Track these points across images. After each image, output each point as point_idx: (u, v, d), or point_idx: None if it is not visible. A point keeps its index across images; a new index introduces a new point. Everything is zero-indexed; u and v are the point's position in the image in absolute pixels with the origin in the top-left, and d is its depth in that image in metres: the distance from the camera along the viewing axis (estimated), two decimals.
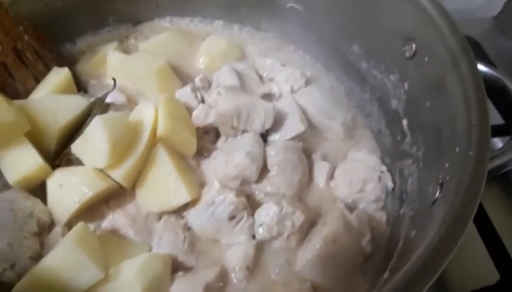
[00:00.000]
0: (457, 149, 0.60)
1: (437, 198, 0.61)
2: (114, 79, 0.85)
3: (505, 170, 0.67)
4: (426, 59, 0.75)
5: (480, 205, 0.93)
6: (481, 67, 0.74)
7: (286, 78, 0.97)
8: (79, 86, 0.92)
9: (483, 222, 0.91)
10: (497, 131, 0.96)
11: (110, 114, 0.79)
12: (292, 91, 0.96)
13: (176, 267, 0.70)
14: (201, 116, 0.82)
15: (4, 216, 0.68)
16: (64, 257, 0.63)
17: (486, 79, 0.74)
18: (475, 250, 0.90)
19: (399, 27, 0.81)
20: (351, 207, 0.80)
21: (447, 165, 0.62)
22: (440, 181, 0.62)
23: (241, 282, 0.70)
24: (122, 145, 0.71)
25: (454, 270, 0.89)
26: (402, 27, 0.80)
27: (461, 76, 0.65)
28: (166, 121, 0.76)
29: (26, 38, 0.86)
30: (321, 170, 0.85)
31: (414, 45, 0.78)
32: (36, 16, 0.92)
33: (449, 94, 0.67)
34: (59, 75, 0.86)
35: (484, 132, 0.58)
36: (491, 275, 0.85)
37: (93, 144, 0.70)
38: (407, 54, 0.79)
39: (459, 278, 0.89)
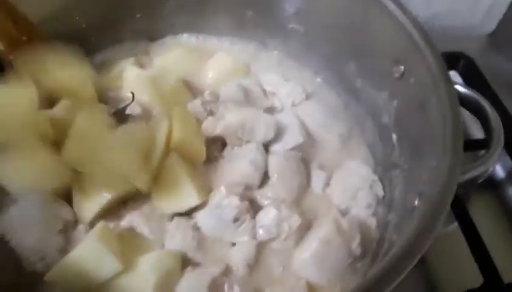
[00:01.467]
0: (434, 164, 0.68)
1: (416, 206, 0.69)
2: (133, 93, 0.94)
3: (481, 181, 0.75)
4: (412, 80, 0.83)
5: (468, 213, 1.01)
6: (459, 88, 0.82)
7: (288, 93, 1.06)
8: (98, 98, 1.00)
9: (469, 229, 0.98)
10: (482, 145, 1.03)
11: (132, 125, 0.88)
12: (293, 105, 1.05)
13: (185, 263, 0.78)
14: (210, 127, 0.90)
15: (34, 215, 0.76)
16: (88, 250, 0.72)
17: (467, 99, 0.83)
18: (461, 255, 0.96)
19: (389, 49, 0.89)
20: (344, 212, 0.88)
21: (425, 177, 0.71)
22: (419, 191, 0.70)
23: (242, 278, 0.78)
24: (141, 154, 0.80)
25: (442, 273, 0.98)
26: (391, 50, 0.88)
27: (440, 97, 0.73)
28: (179, 132, 0.85)
29: None
30: (318, 178, 0.93)
31: (402, 67, 0.86)
32: (61, 33, 1.01)
33: (429, 113, 0.75)
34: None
35: (457, 150, 0.66)
36: (476, 278, 0.91)
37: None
38: (396, 75, 0.87)
39: (446, 281, 0.97)
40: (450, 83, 0.74)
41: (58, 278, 0.71)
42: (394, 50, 0.88)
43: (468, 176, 0.72)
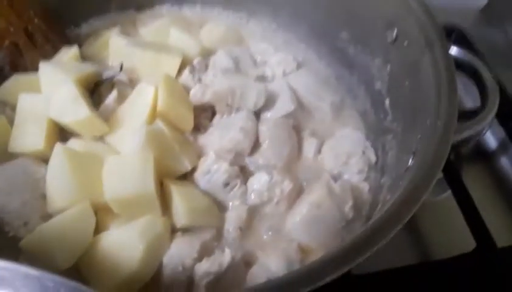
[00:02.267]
0: (428, 122, 0.67)
1: (410, 165, 0.68)
2: (121, 64, 0.92)
3: (473, 142, 0.74)
4: (405, 43, 0.82)
5: (461, 180, 1.00)
6: (455, 50, 0.81)
7: (279, 62, 1.04)
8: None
9: (462, 195, 0.97)
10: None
11: None
12: (284, 74, 1.03)
13: (176, 228, 0.76)
14: (198, 94, 0.88)
15: (18, 178, 0.74)
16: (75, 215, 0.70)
17: (461, 62, 0.82)
18: (454, 222, 0.96)
19: (382, 14, 0.87)
20: (336, 178, 0.87)
21: (419, 136, 0.69)
22: (414, 150, 0.69)
23: (234, 241, 0.77)
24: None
25: (435, 239, 0.98)
26: (385, 14, 0.87)
27: (435, 57, 0.73)
28: (165, 97, 0.82)
29: (36, 20, 0.92)
30: (309, 145, 0.92)
31: (395, 31, 0.85)
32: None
33: (424, 74, 0.74)
34: (68, 54, 0.92)
35: (451, 106, 0.65)
36: (469, 243, 0.91)
37: None
38: (389, 39, 0.86)
39: (439, 246, 0.97)
40: (444, 43, 0.73)
41: (36, 245, 0.67)
42: (387, 14, 0.86)
43: (463, 135, 0.71)
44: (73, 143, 0.80)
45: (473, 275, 0.85)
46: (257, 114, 0.92)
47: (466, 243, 0.91)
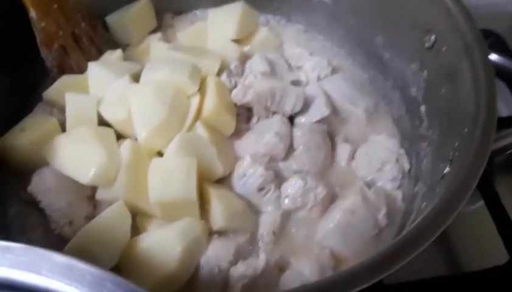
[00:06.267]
0: (466, 130, 0.67)
1: (446, 172, 0.68)
2: None
3: (508, 151, 0.73)
4: (444, 49, 0.82)
5: (494, 190, 0.98)
6: (495, 56, 0.80)
7: (313, 67, 1.04)
8: None
9: (496, 207, 0.96)
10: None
11: None
12: (319, 79, 1.03)
13: (212, 230, 0.78)
14: (240, 95, 0.89)
15: (65, 180, 0.77)
16: (112, 215, 0.73)
17: (498, 68, 0.81)
18: (486, 234, 0.95)
19: (420, 19, 0.87)
20: (369, 185, 0.87)
21: (457, 143, 0.69)
22: (450, 158, 0.69)
23: (267, 245, 0.79)
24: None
25: (467, 251, 0.97)
26: (423, 20, 0.86)
27: (473, 64, 0.72)
28: (215, 103, 0.84)
29: (82, 24, 0.97)
30: (343, 151, 0.92)
31: (433, 37, 0.84)
32: (89, 6, 1.03)
33: (462, 80, 0.74)
34: (113, 55, 0.96)
35: (491, 113, 0.65)
36: (501, 256, 0.89)
37: None
38: (427, 44, 0.86)
39: (471, 258, 0.96)
40: (484, 48, 0.72)
41: (79, 247, 0.70)
42: (426, 19, 0.86)
43: (500, 144, 0.71)
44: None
45: (506, 289, 0.84)
46: (291, 119, 0.93)
47: (499, 255, 0.90)
